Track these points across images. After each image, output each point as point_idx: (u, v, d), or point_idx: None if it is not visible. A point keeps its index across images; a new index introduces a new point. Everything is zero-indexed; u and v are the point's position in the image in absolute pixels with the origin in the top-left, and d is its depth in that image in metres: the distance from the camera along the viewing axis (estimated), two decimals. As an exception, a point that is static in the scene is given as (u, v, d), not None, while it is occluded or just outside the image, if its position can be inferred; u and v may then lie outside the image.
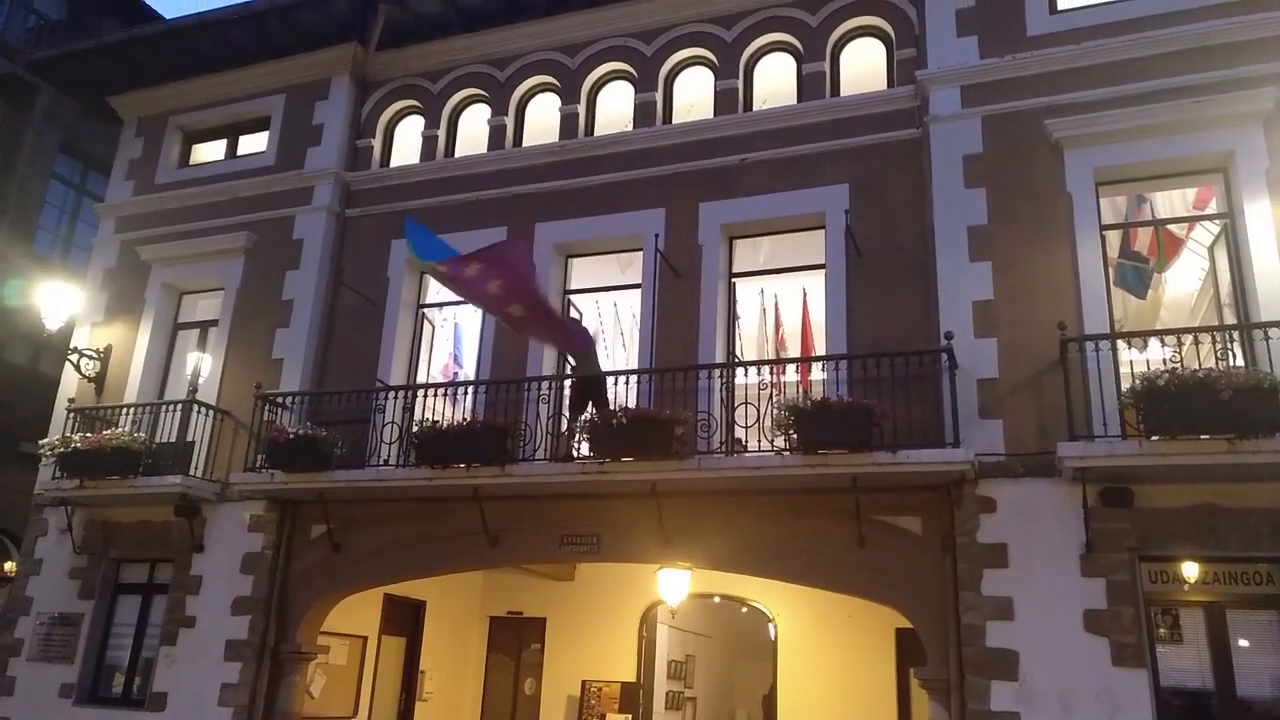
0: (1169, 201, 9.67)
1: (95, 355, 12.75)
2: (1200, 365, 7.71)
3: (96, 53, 13.74)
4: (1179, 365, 7.67)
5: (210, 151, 13.89)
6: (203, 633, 10.84)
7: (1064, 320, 8.29)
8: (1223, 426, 7.16)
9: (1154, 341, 8.70)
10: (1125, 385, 7.98)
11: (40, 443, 11.75)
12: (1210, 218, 9.19)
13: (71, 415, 11.89)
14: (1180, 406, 7.25)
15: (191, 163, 13.84)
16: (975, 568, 8.20)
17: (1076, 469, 7.81)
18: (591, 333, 10.03)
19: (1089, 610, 7.79)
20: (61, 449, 11.19)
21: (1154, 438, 7.42)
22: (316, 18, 12.57)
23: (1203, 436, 7.27)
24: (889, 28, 10.54)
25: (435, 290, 12.24)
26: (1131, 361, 8.34)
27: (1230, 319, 8.55)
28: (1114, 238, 9.27)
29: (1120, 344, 8.38)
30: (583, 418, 9.36)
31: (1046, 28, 9.54)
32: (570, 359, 9.89)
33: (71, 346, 12.88)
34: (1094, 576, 7.86)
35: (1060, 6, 9.67)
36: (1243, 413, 7.09)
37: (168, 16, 16.82)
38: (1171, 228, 9.40)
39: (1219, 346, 7.97)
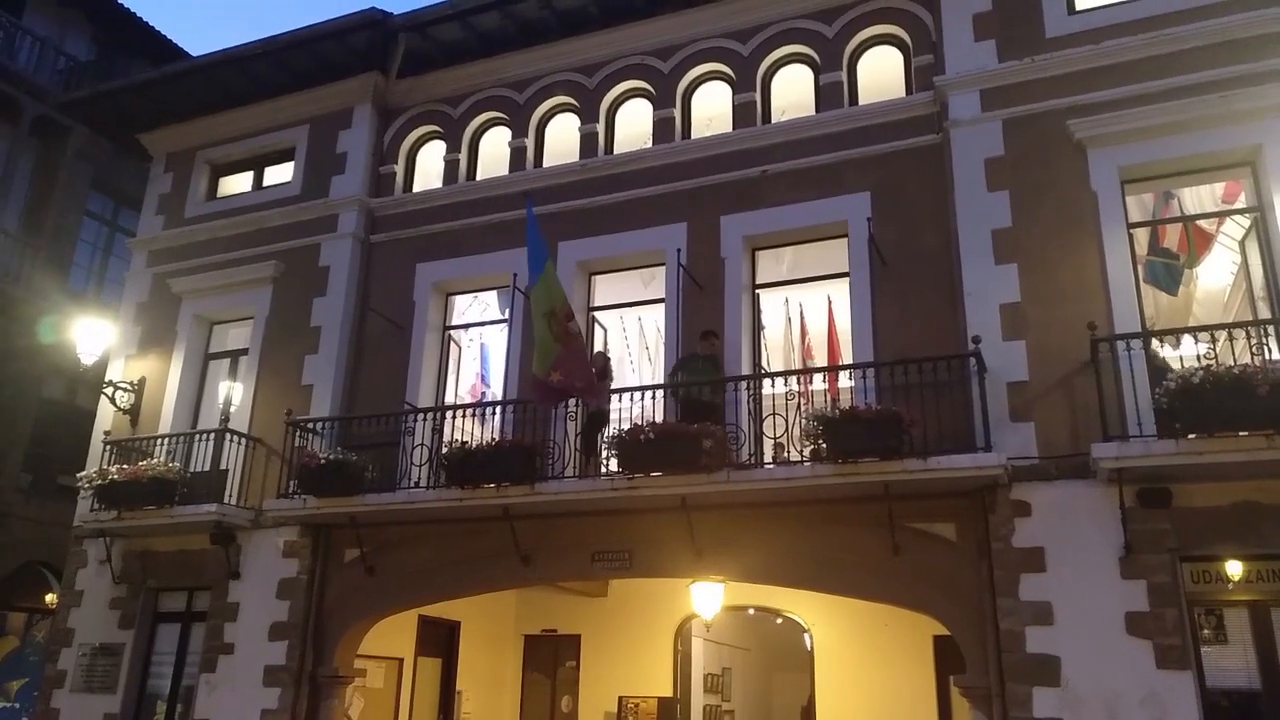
0: (1197, 197, 9.56)
1: (129, 388, 12.95)
2: (1235, 361, 7.58)
3: (125, 92, 14.03)
4: (1214, 362, 7.56)
5: (237, 184, 14.13)
6: (241, 659, 10.93)
7: (1094, 320, 8.20)
8: (1261, 422, 7.06)
9: (1187, 338, 8.56)
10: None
11: (78, 475, 11.94)
12: (1239, 212, 9.08)
13: (108, 447, 12.07)
14: (1216, 403, 7.15)
15: (219, 195, 14.07)
16: (1012, 573, 8.10)
17: (1112, 470, 7.71)
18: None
19: (1130, 613, 7.67)
20: (99, 481, 11.35)
21: (1190, 436, 7.32)
22: (338, 49, 12.78)
23: (1241, 433, 7.16)
24: (905, 35, 10.54)
25: (461, 311, 12.36)
26: (1165, 359, 8.24)
27: (1265, 313, 8.42)
28: (1142, 235, 9.18)
29: (1153, 342, 8.27)
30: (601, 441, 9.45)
31: (1065, 28, 9.50)
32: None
33: (106, 380, 13.10)
34: (1134, 578, 7.73)
35: (1079, 7, 9.62)
36: (1281, 408, 6.97)
37: (193, 53, 17.12)
38: (1201, 223, 9.31)
39: (1254, 341, 7.85)
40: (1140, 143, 8.82)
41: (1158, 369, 8.07)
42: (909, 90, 10.41)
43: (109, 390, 12.89)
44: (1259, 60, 8.58)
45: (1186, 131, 8.67)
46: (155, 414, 12.73)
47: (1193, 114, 8.63)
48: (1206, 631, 7.75)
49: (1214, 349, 7.90)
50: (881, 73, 10.72)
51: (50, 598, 15.78)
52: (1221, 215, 9.32)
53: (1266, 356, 7.70)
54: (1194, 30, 8.87)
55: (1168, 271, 9.31)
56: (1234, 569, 7.72)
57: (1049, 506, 8.17)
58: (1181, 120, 8.66)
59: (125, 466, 11.41)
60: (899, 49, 10.71)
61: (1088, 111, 9.07)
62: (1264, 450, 7.12)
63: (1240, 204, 9.10)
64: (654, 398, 9.76)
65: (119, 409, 12.83)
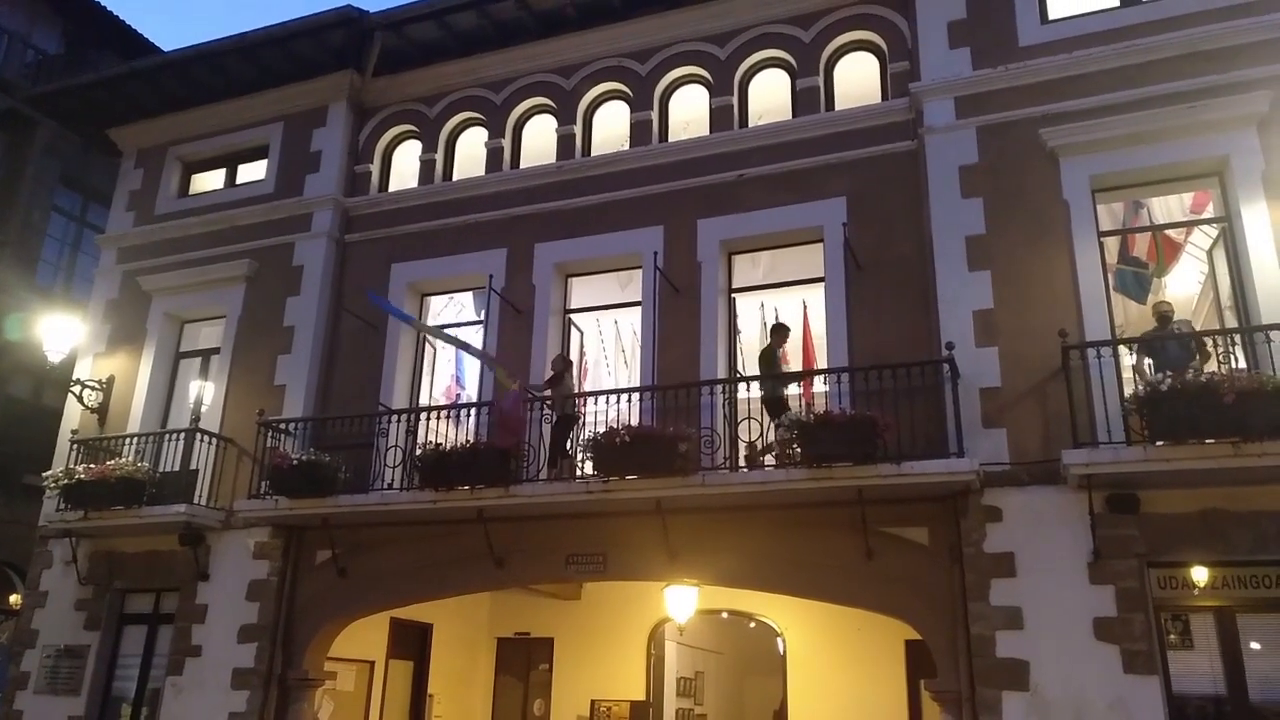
0: (1166, 206, 9.69)
1: (98, 386, 12.77)
2: (1202, 369, 7.69)
3: (95, 86, 13.83)
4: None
5: (209, 181, 13.96)
6: (209, 662, 10.79)
7: (1065, 327, 8.30)
8: (1227, 430, 7.16)
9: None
10: (1128, 391, 7.97)
11: (44, 475, 11.75)
12: (1208, 221, 9.21)
13: (75, 446, 11.89)
14: (1184, 411, 7.25)
15: (191, 192, 13.91)
16: (983, 578, 8.16)
17: (1082, 476, 7.79)
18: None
19: (1099, 618, 7.75)
20: (65, 480, 11.19)
21: (1158, 443, 7.41)
22: (313, 46, 12.67)
23: (1207, 441, 7.25)
24: (881, 42, 10.61)
25: (436, 312, 12.30)
26: (1134, 367, 8.34)
27: (1231, 322, 8.55)
28: (1112, 244, 9.30)
29: (1122, 349, 8.36)
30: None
31: (1038, 38, 9.59)
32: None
33: (74, 378, 12.91)
34: (1103, 584, 7.82)
35: (1051, 16, 9.73)
36: (1246, 416, 7.08)
37: (165, 49, 16.91)
38: (1170, 232, 9.44)
39: (1221, 350, 7.98)
40: (1111, 152, 8.93)
41: (1187, 350, 8.01)
42: (885, 96, 10.48)
43: (76, 389, 12.71)
44: (1228, 71, 8.71)
45: (1156, 142, 8.79)
46: (124, 413, 12.56)
47: (1162, 124, 8.75)
48: (1173, 637, 7.84)
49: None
50: (858, 79, 10.78)
51: (14, 598, 15.54)
52: (1190, 225, 9.45)
53: (1233, 365, 7.83)
54: (1164, 41, 9.00)
55: (1137, 280, 9.43)
56: (1200, 575, 7.83)
57: (1020, 512, 8.24)
58: (1151, 130, 8.78)
59: (93, 466, 11.25)
60: (875, 55, 10.77)
61: (1060, 120, 9.17)
62: (1230, 458, 7.22)
63: (1208, 214, 9.23)
64: (629, 400, 9.76)
65: (87, 408, 12.65)
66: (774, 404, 9.27)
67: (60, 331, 12.56)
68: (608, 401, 9.82)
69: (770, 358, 9.56)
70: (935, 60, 9.93)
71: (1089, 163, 8.98)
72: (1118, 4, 9.54)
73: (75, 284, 17.25)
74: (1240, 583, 7.79)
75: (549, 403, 10.03)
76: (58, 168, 17.28)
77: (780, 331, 9.79)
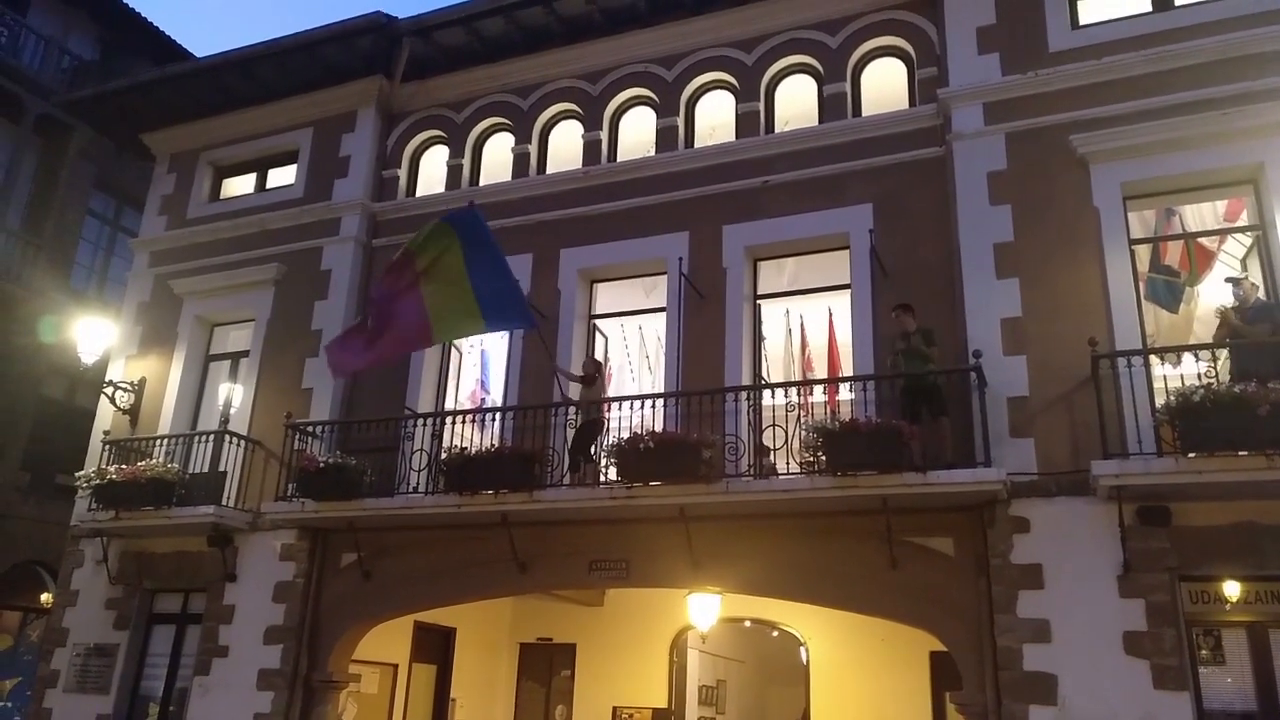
0: (1199, 214, 9.55)
1: (130, 388, 12.94)
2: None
3: (129, 92, 14.03)
4: (1214, 380, 7.54)
5: (240, 185, 14.13)
6: (236, 662, 10.89)
7: (1095, 336, 8.18)
8: (1261, 442, 7.02)
9: (1188, 356, 8.54)
10: (1159, 401, 7.85)
11: (76, 475, 11.91)
12: (1242, 229, 9.07)
13: (107, 447, 12.04)
14: (1217, 422, 7.12)
15: (222, 196, 14.08)
16: (1010, 589, 8.06)
17: (1112, 487, 7.67)
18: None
19: (1129, 632, 7.63)
20: (97, 481, 11.33)
21: (1190, 455, 7.29)
22: (342, 52, 12.79)
23: (1241, 453, 7.13)
24: (909, 47, 10.54)
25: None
26: (1165, 377, 8.21)
27: (1265, 332, 8.38)
28: (1143, 252, 9.18)
29: (1153, 359, 8.24)
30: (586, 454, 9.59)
31: (1068, 43, 9.50)
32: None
33: (106, 380, 13.08)
34: (1133, 597, 7.69)
35: (1082, 21, 9.63)
36: (1281, 428, 6.94)
37: (198, 54, 17.13)
38: (1202, 240, 9.29)
39: (1255, 361, 7.82)
40: (1142, 159, 8.81)
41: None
42: (912, 103, 10.40)
43: (109, 390, 12.88)
44: (1261, 78, 8.57)
45: (1189, 148, 8.66)
46: (155, 415, 12.71)
47: (1195, 131, 8.62)
48: (1204, 652, 7.71)
49: (1214, 368, 7.88)
50: (885, 85, 10.72)
51: (46, 597, 15.78)
52: (1223, 233, 9.31)
53: (1267, 376, 7.66)
54: (1196, 47, 8.87)
55: (1169, 289, 9.30)
56: (1232, 590, 7.69)
57: (1048, 523, 8.14)
58: (1184, 137, 8.65)
59: (124, 467, 11.39)
60: (903, 61, 10.71)
61: (1090, 127, 9.06)
62: (1264, 470, 7.09)
63: (1242, 222, 9.09)
64: (653, 406, 9.74)
65: (119, 409, 12.81)
66: (926, 393, 8.51)
67: (94, 334, 12.74)
68: (632, 407, 9.79)
69: (920, 340, 8.69)
70: (964, 66, 9.86)
71: (1120, 169, 8.87)
72: (1149, 9, 9.43)
73: (109, 287, 17.55)
74: (1274, 598, 7.63)
75: (575, 406, 10.04)
76: (92, 172, 17.58)
77: (906, 310, 8.91)
